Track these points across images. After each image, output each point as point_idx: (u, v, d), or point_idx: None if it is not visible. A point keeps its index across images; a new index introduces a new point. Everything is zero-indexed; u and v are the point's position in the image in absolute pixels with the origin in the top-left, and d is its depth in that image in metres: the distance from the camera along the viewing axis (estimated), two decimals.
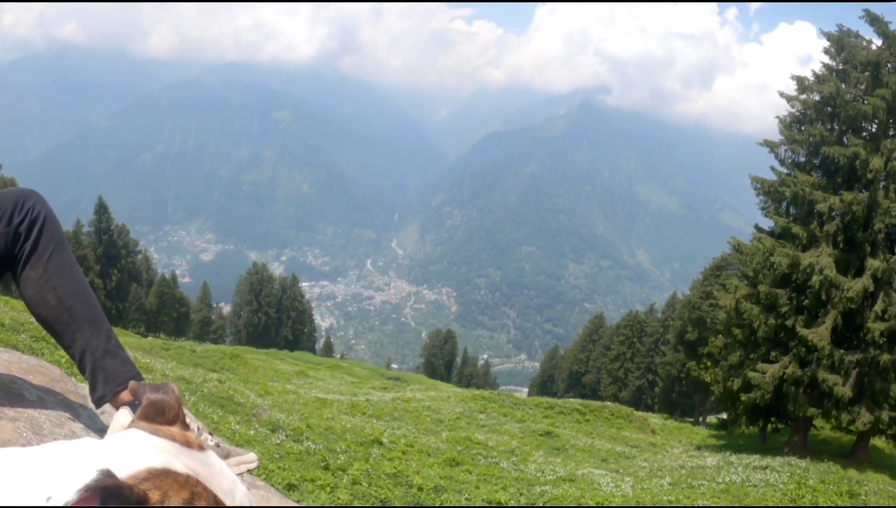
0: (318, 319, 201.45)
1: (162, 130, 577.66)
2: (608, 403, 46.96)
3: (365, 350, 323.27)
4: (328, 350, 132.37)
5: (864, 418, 29.06)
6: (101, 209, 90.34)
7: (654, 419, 51.84)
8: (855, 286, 28.80)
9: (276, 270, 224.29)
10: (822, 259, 29.92)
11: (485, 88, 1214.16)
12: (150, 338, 66.12)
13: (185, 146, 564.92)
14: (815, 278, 29.60)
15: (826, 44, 32.90)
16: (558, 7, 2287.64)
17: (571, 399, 46.29)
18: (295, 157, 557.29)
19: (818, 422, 32.65)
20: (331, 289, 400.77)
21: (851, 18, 32.37)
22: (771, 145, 34.14)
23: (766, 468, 24.33)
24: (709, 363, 54.97)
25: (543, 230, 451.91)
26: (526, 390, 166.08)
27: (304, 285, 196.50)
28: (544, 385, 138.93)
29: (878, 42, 31.33)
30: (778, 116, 34.58)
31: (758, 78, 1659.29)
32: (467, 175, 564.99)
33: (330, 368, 63.65)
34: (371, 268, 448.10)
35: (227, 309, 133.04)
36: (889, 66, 30.37)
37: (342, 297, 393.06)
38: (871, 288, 28.97)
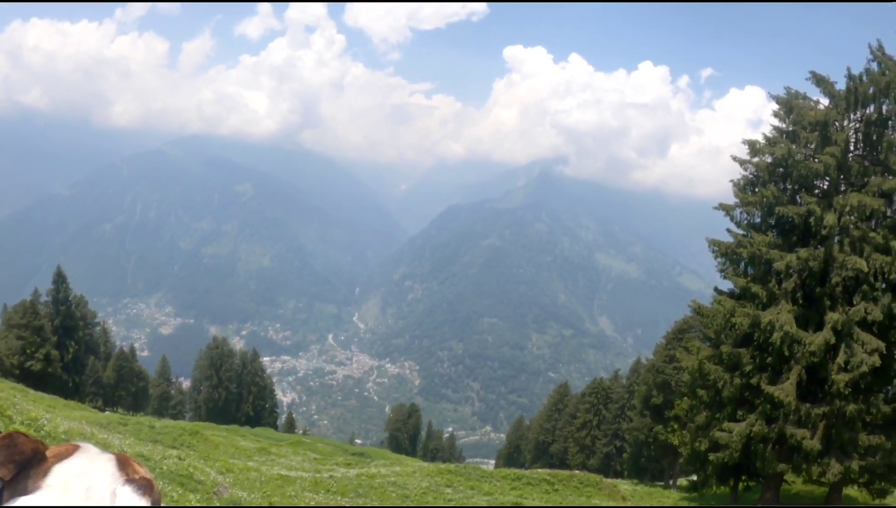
0: (279, 394, 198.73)
1: (123, 201, 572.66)
2: (577, 472, 46.51)
3: (328, 426, 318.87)
4: (290, 426, 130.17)
5: (835, 469, 29.08)
6: (60, 279, 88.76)
7: (625, 486, 51.45)
8: (816, 340, 29.09)
9: (237, 344, 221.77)
10: (782, 316, 30.22)
11: (444, 161, 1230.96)
12: (107, 412, 64.64)
13: (146, 218, 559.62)
14: (776, 335, 29.86)
15: (775, 107, 33.80)
16: (515, 80, 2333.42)
17: (539, 470, 45.85)
18: (256, 231, 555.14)
19: (789, 477, 32.61)
20: (292, 364, 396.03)
21: (798, 81, 33.47)
22: (726, 209, 34.69)
23: None
24: (676, 426, 54.80)
25: (505, 302, 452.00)
26: (493, 462, 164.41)
27: (265, 359, 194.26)
28: (511, 457, 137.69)
29: (825, 102, 32.26)
30: (732, 180, 35.16)
31: (711, 143, 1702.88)
32: (428, 248, 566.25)
33: (292, 444, 62.57)
34: (333, 342, 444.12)
35: (186, 384, 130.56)
36: (837, 124, 31.22)
37: (304, 372, 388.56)
38: (833, 341, 29.20)
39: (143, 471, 1.96)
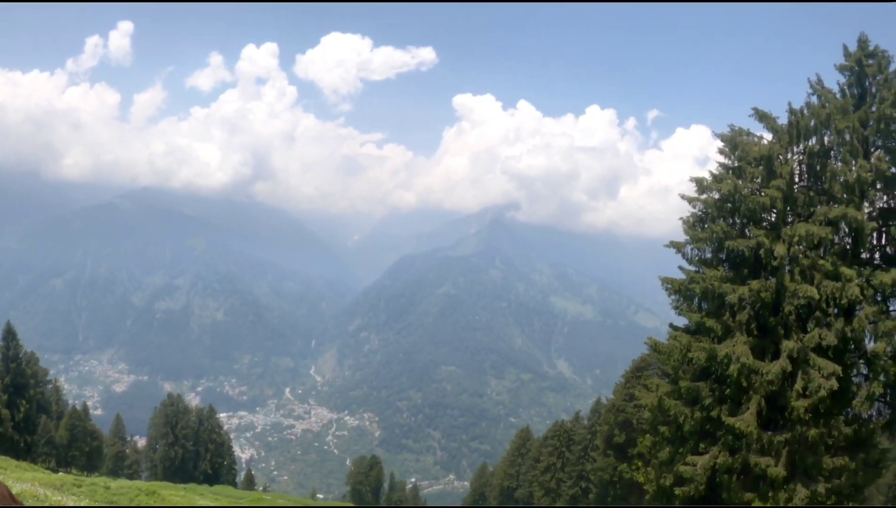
0: (237, 451, 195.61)
1: (73, 255, 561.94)
2: None
3: (288, 481, 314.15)
4: (250, 483, 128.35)
5: (801, 494, 29.43)
6: (10, 336, 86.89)
7: None
8: (773, 369, 29.61)
9: (192, 401, 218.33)
10: (738, 348, 30.72)
11: (396, 211, 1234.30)
12: (60, 473, 63.13)
13: (97, 272, 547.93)
14: (733, 367, 30.33)
15: (720, 144, 34.63)
16: (465, 128, 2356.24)
17: None
18: (208, 284, 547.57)
19: (757, 504, 32.90)
20: (249, 419, 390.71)
21: (742, 117, 34.33)
22: (677, 246, 35.25)
23: None
24: (640, 464, 55.08)
25: (462, 349, 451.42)
26: None
27: (222, 415, 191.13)
28: (476, 504, 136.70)
29: (768, 137, 33.20)
30: (681, 218, 35.75)
31: (661, 182, 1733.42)
32: (382, 299, 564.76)
33: (253, 501, 61.60)
34: (290, 396, 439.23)
35: (141, 443, 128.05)
36: (781, 157, 32.11)
37: (262, 427, 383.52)
38: (790, 368, 29.75)
39: None
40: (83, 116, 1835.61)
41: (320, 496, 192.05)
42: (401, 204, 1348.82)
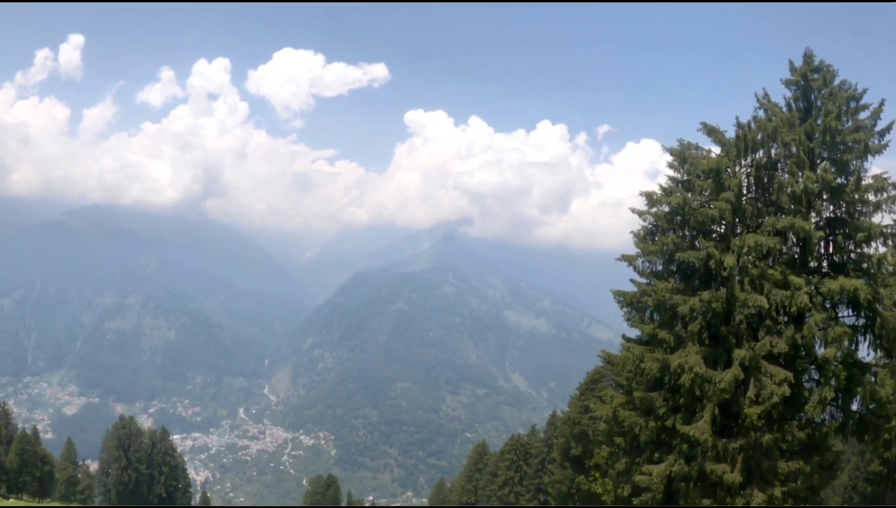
0: (192, 473, 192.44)
1: (22, 274, 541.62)
2: None
3: (244, 503, 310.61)
4: (206, 506, 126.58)
5: (758, 498, 29.96)
6: None
7: None
8: (726, 377, 30.16)
9: (145, 423, 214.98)
10: (690, 358, 31.18)
11: (348, 227, 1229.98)
12: (11, 500, 61.96)
13: (46, 292, 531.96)
14: (686, 377, 30.80)
15: (670, 158, 35.28)
16: (417, 144, 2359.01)
17: None
18: (160, 304, 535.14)
19: None
20: (203, 441, 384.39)
21: (691, 132, 34.85)
22: (629, 259, 35.71)
23: None
24: (597, 475, 55.45)
25: (416, 365, 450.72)
26: None
27: (175, 437, 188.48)
28: None
29: (716, 150, 33.94)
30: (632, 231, 36.18)
31: (612, 196, 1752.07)
32: (336, 316, 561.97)
33: None
34: (244, 416, 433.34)
35: (94, 466, 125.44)
36: (729, 170, 32.82)
37: (216, 448, 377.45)
38: (742, 376, 30.30)
39: None
40: (32, 131, 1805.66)
41: None
42: (353, 221, 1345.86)
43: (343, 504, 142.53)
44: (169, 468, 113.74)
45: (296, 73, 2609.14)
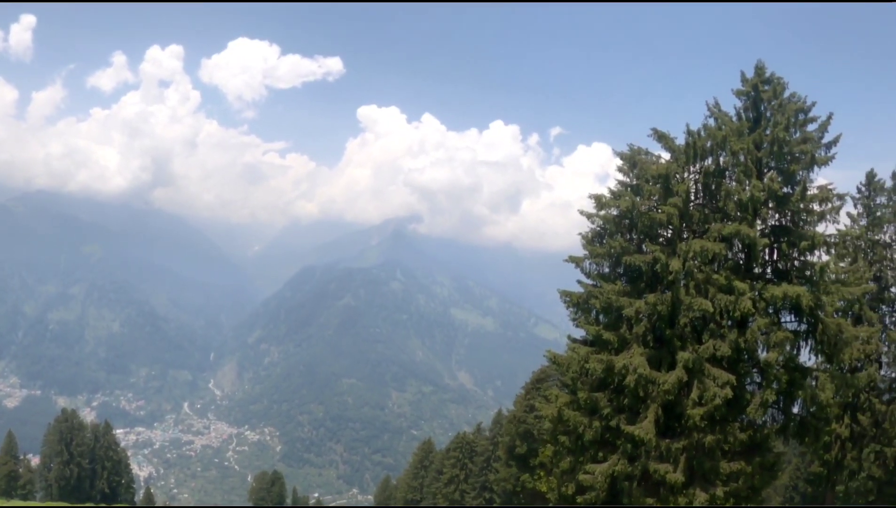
0: (135, 468, 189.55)
1: None
2: None
3: (188, 499, 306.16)
4: (149, 502, 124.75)
5: (700, 498, 30.56)
6: None
7: None
8: (670, 379, 30.67)
9: (88, 416, 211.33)
10: (634, 359, 31.64)
11: (297, 221, 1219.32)
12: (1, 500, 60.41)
13: None
14: (630, 378, 31.25)
15: (620, 162, 35.71)
16: (369, 139, 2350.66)
17: None
18: (105, 294, 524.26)
19: None
20: (147, 435, 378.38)
21: (641, 137, 35.42)
22: (576, 261, 36.08)
23: None
24: (542, 473, 55.91)
25: (363, 362, 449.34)
26: None
27: (119, 431, 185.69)
28: None
29: (666, 156, 34.43)
30: (580, 233, 36.62)
31: (561, 198, 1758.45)
32: (283, 310, 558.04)
33: None
34: (189, 411, 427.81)
35: (35, 461, 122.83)
36: (677, 176, 33.30)
37: (160, 443, 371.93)
38: (685, 378, 30.87)
39: None
40: None
41: None
42: (302, 214, 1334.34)
43: (288, 501, 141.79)
44: (112, 463, 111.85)
45: (250, 63, 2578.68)
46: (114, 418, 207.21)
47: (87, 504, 77.79)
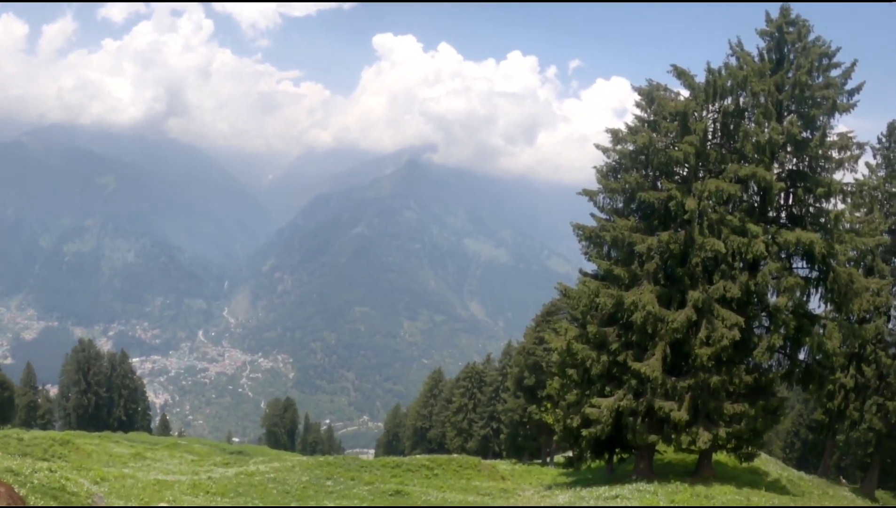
0: (151, 396, 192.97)
1: None
2: (455, 455, 47.45)
3: (203, 426, 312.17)
4: (165, 429, 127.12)
5: (703, 437, 30.90)
6: None
7: (503, 466, 52.80)
8: (679, 318, 30.77)
9: (104, 346, 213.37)
10: (644, 296, 31.67)
11: (312, 150, 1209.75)
12: None
13: (4, 214, 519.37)
14: (638, 315, 31.33)
15: (638, 97, 35.25)
16: (384, 68, 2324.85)
17: (418, 456, 46.49)
18: (119, 225, 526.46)
19: (661, 447, 34.27)
20: (163, 363, 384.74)
21: (661, 73, 34.79)
22: (590, 194, 35.82)
23: (617, 496, 25.53)
24: (549, 405, 56.38)
25: (376, 290, 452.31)
26: (372, 451, 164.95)
27: (135, 360, 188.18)
28: (390, 445, 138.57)
29: (685, 93, 33.94)
30: (595, 167, 36.30)
31: (578, 131, 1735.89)
32: (296, 239, 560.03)
33: (168, 447, 61.25)
34: (203, 339, 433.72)
35: (54, 391, 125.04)
36: (696, 114, 32.89)
37: (175, 371, 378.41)
38: (694, 318, 30.95)
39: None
40: None
41: (236, 439, 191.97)
42: (316, 143, 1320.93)
43: (300, 427, 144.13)
44: (128, 391, 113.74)
45: None
46: (130, 347, 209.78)
47: (105, 432, 79.06)
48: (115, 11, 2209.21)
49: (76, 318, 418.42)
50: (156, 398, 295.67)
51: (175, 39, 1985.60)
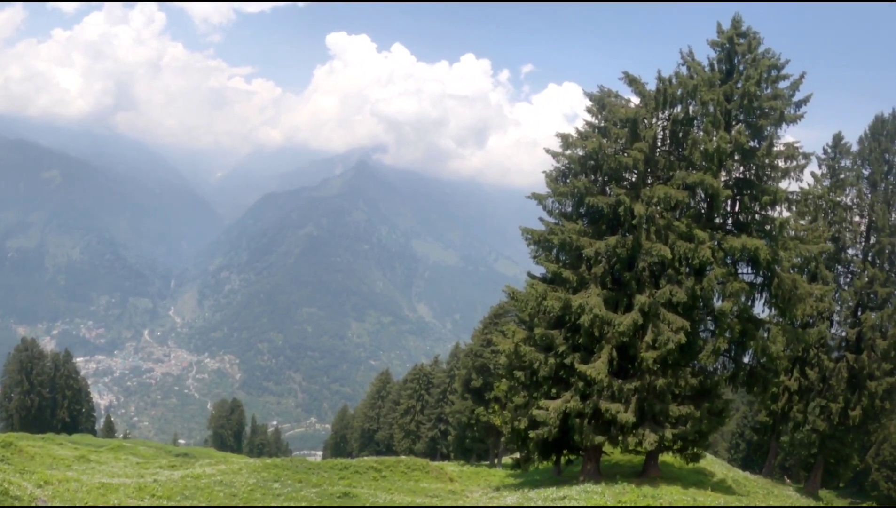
0: (95, 397, 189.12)
1: None
2: (403, 457, 47.48)
3: (149, 427, 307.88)
4: (109, 430, 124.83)
5: (650, 438, 31.41)
6: None
7: (451, 467, 52.90)
8: (625, 321, 31.20)
9: (48, 345, 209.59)
10: (591, 299, 32.05)
11: (261, 148, 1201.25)
12: None
13: None
14: (586, 318, 31.65)
15: (589, 103, 35.64)
16: (337, 67, 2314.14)
17: (366, 458, 46.43)
18: (64, 221, 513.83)
19: (608, 448, 34.62)
20: (107, 363, 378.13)
21: (612, 80, 35.21)
22: (539, 198, 36.07)
23: (564, 498, 25.77)
24: (496, 407, 56.73)
25: (323, 291, 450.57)
26: (320, 453, 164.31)
27: (79, 360, 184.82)
28: (338, 447, 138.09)
29: (635, 101, 34.43)
30: (545, 171, 36.56)
31: (528, 135, 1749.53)
32: (244, 238, 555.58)
33: (113, 449, 60.18)
34: (149, 339, 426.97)
35: None
36: (646, 121, 33.40)
37: (120, 371, 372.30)
38: (641, 321, 31.44)
39: None
40: None
41: (182, 441, 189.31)
42: (266, 141, 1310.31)
43: (247, 429, 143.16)
44: (72, 391, 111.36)
45: None
46: (74, 346, 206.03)
47: (48, 434, 77.52)
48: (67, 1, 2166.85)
49: (18, 316, 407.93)
50: (100, 399, 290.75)
51: (126, 32, 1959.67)
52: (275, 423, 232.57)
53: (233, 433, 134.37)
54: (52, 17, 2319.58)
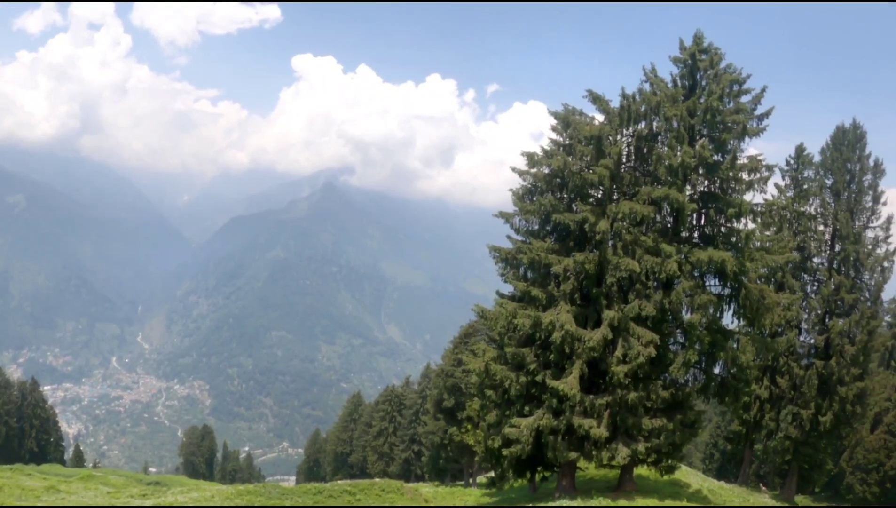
0: (64, 426, 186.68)
1: None
2: (377, 479, 47.30)
3: (119, 456, 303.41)
4: (79, 460, 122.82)
5: (623, 452, 31.53)
6: None
7: (426, 488, 52.70)
8: (595, 336, 31.42)
9: (14, 373, 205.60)
10: (561, 316, 32.23)
11: (228, 171, 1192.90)
12: None
13: None
14: (556, 334, 31.84)
15: (554, 121, 35.96)
16: (303, 89, 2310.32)
17: (340, 482, 46.18)
18: (29, 246, 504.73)
19: (582, 463, 34.68)
20: (76, 391, 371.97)
21: (576, 98, 35.40)
22: (506, 216, 36.32)
23: None
24: (469, 427, 56.73)
25: (292, 314, 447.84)
26: (293, 478, 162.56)
27: (46, 388, 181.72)
28: (311, 471, 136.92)
29: (600, 118, 34.79)
30: (511, 190, 36.79)
31: (495, 154, 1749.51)
32: (212, 262, 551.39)
33: (83, 479, 59.30)
34: (117, 365, 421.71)
35: None
36: (610, 138, 33.74)
37: (88, 399, 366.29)
38: (610, 336, 31.71)
39: None
40: None
41: (153, 469, 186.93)
42: (233, 164, 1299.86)
43: (218, 456, 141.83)
44: (40, 421, 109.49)
45: (184, 7, 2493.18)
46: (41, 374, 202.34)
47: (16, 465, 76.15)
48: (32, 22, 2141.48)
49: None
50: (69, 428, 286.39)
51: (92, 53, 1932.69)
52: (247, 449, 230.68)
53: (204, 460, 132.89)
54: (17, 39, 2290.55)
